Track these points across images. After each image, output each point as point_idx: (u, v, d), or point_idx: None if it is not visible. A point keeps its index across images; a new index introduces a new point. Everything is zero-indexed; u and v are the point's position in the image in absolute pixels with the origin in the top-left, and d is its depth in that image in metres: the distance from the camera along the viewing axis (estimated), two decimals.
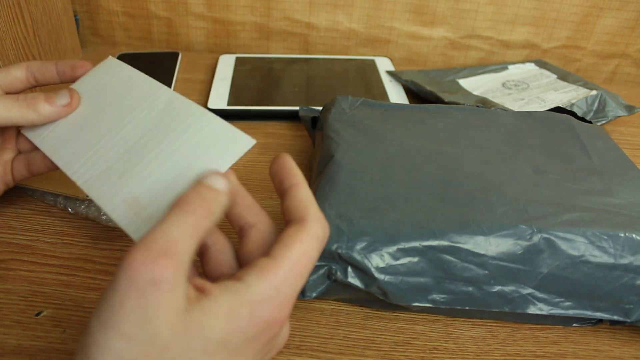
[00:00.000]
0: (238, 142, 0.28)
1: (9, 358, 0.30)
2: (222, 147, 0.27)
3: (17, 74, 0.36)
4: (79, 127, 0.34)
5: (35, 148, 0.36)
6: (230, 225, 0.28)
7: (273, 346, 0.25)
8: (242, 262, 0.27)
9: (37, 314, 0.33)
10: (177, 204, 0.23)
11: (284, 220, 0.26)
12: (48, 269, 0.36)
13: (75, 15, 0.68)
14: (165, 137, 0.29)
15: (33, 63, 0.37)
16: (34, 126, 0.35)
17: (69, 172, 0.31)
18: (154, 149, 0.29)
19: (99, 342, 0.20)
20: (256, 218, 0.27)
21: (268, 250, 0.24)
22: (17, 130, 0.38)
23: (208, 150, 0.28)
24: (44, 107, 0.33)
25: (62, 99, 0.34)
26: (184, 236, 0.22)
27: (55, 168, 0.34)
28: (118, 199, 0.28)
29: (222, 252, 0.27)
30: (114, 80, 0.35)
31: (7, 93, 0.36)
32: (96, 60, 0.42)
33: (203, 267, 0.27)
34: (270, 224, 0.27)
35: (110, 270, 0.37)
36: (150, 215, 0.27)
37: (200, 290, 0.22)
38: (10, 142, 0.38)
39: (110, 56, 0.37)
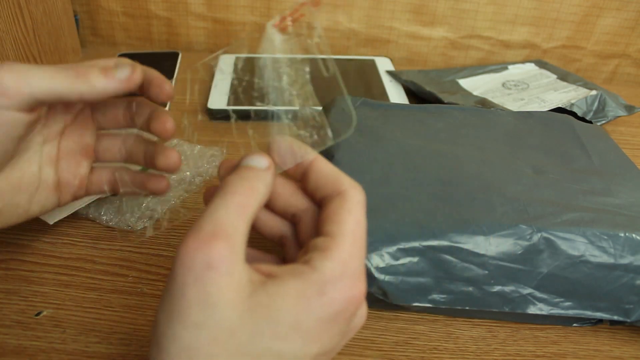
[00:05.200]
0: None
1: (9, 358, 0.30)
2: None
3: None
4: None
5: (119, 160, 0.34)
6: (283, 217, 0.27)
7: (350, 328, 0.24)
8: (317, 233, 0.25)
9: (37, 314, 0.33)
10: (219, 188, 0.23)
11: (313, 201, 0.26)
12: (48, 269, 0.36)
13: (75, 15, 0.68)
14: None
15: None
16: (81, 101, 0.31)
17: None
18: None
19: (167, 334, 0.20)
20: (306, 203, 0.26)
21: (321, 230, 0.23)
22: (96, 137, 0.34)
23: None
24: (97, 79, 0.28)
25: (122, 72, 0.28)
26: (231, 216, 0.21)
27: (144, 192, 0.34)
28: None
29: (313, 221, 0.26)
30: None
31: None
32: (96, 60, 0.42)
33: (298, 237, 0.27)
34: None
35: (110, 270, 0.37)
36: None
37: (267, 276, 0.22)
38: (88, 152, 0.34)
39: None
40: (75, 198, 0.34)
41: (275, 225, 0.27)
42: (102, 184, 0.34)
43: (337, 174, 0.25)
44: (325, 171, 0.25)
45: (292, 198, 0.26)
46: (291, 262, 0.26)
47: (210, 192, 0.26)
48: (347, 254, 0.22)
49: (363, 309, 0.25)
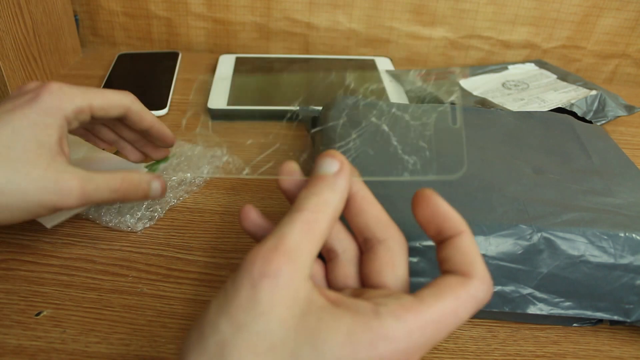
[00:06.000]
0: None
1: (9, 358, 0.30)
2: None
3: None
4: None
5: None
6: (354, 235, 0.25)
7: None
8: (365, 279, 0.24)
9: (37, 314, 0.33)
10: (293, 204, 0.23)
11: (440, 268, 0.23)
12: (48, 269, 0.36)
13: (75, 15, 0.68)
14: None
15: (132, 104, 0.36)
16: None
17: None
18: None
19: (212, 323, 0.20)
20: (386, 233, 0.25)
21: (399, 272, 0.23)
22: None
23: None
24: (136, 196, 0.34)
25: (156, 191, 0.36)
26: (295, 234, 0.21)
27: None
28: None
29: (350, 262, 0.25)
30: None
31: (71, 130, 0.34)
32: (96, 59, 0.42)
33: (327, 275, 0.26)
34: (402, 241, 0.24)
35: (110, 270, 0.37)
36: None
37: (331, 302, 0.21)
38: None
39: None
40: None
41: (332, 237, 0.25)
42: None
43: (475, 258, 0.22)
44: (465, 249, 0.23)
45: (373, 223, 0.25)
46: (333, 283, 0.25)
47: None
48: (420, 326, 0.20)
49: None
